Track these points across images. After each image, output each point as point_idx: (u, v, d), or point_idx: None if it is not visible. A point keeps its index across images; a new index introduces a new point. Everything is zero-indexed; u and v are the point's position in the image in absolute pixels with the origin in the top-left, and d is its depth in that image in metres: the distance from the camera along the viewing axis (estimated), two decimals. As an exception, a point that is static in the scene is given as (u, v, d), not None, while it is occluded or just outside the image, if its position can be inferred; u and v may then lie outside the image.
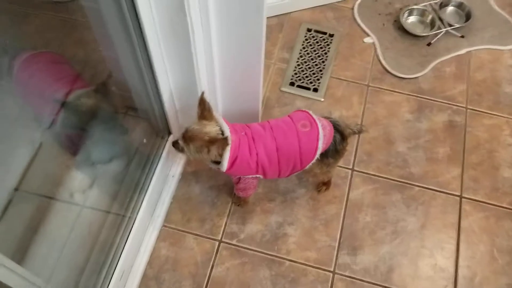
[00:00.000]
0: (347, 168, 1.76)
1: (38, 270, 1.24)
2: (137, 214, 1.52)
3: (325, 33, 2.07)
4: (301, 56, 2.01)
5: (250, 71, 1.47)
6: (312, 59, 2.00)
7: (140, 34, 1.19)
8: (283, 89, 1.92)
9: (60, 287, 1.35)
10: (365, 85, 1.95)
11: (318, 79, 1.94)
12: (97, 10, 1.24)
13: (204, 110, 1.30)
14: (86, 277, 1.41)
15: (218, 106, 1.59)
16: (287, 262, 1.57)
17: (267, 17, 2.07)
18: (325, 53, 2.01)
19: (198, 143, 1.29)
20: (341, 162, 1.75)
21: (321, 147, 1.37)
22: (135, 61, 1.29)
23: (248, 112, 1.65)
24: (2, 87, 1.86)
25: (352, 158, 1.78)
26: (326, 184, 1.69)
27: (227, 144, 1.27)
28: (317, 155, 1.39)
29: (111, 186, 1.65)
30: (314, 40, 2.05)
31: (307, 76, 1.95)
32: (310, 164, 1.41)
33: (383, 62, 2.00)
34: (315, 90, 1.92)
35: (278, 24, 2.10)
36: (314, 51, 2.02)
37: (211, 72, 1.42)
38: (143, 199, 1.56)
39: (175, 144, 1.37)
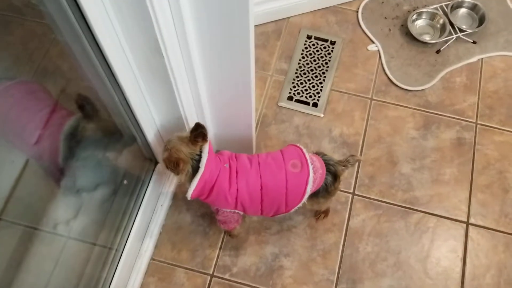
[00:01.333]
0: (347, 192, 1.66)
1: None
2: (124, 246, 1.45)
3: (326, 40, 1.93)
4: (300, 67, 1.88)
5: (240, 99, 1.36)
6: (311, 70, 1.87)
7: (113, 76, 1.08)
8: (281, 104, 1.80)
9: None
10: (368, 98, 1.83)
11: (318, 93, 1.82)
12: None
13: (198, 136, 1.21)
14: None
15: (210, 133, 1.48)
16: (282, 299, 1.50)
17: (264, 23, 1.95)
18: (326, 63, 1.88)
19: (169, 157, 1.22)
20: (341, 185, 1.65)
21: (309, 191, 1.28)
22: (112, 100, 1.18)
23: (241, 138, 1.54)
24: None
25: (353, 181, 1.67)
26: (325, 212, 1.59)
27: (182, 165, 1.20)
28: (304, 199, 1.30)
29: (97, 216, 1.57)
30: (314, 48, 1.92)
31: (306, 90, 1.83)
32: (296, 208, 1.32)
33: (388, 72, 1.87)
34: (315, 105, 1.80)
35: (276, 30, 1.96)
36: (314, 60, 1.89)
37: (199, 104, 1.31)
38: (131, 230, 1.48)
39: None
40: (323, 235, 1.59)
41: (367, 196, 1.66)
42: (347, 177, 1.68)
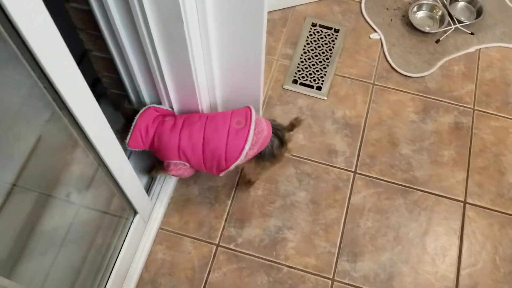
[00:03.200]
0: (349, 171, 1.71)
1: (32, 276, 1.22)
2: (134, 216, 1.50)
3: (330, 28, 2.01)
4: (304, 52, 1.94)
5: (250, 71, 1.42)
6: (316, 55, 1.94)
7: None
8: (286, 87, 1.87)
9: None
10: (370, 83, 1.90)
11: (321, 77, 1.89)
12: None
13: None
14: (81, 281, 1.39)
15: (217, 105, 1.53)
16: (285, 268, 1.55)
17: (271, 11, 2.02)
18: (330, 50, 1.95)
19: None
20: (343, 164, 1.72)
21: (247, 148, 1.31)
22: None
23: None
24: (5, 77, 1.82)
25: (355, 160, 1.73)
26: (248, 183, 1.64)
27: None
28: (242, 157, 1.33)
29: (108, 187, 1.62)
30: (319, 35, 1.99)
31: (310, 73, 1.90)
32: (235, 164, 1.35)
33: (390, 59, 1.94)
34: (319, 88, 1.86)
35: (282, 18, 2.03)
36: (319, 47, 1.96)
37: (211, 75, 1.36)
38: (149, 196, 1.54)
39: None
40: (325, 210, 1.65)
41: (368, 174, 1.71)
42: (348, 156, 1.74)
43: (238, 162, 1.35)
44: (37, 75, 0.80)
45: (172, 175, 1.49)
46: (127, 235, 1.44)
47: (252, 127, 1.31)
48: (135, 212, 1.46)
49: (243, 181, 1.65)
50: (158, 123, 1.38)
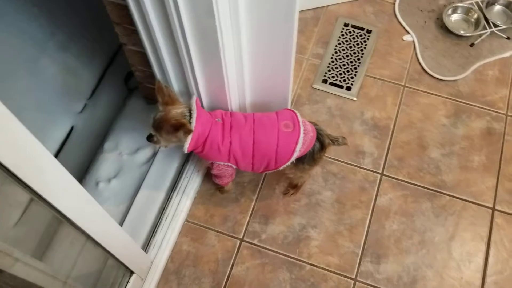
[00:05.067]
0: (376, 172, 1.71)
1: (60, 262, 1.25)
2: (130, 276, 1.44)
3: (362, 29, 2.00)
4: (335, 52, 1.94)
5: (280, 69, 1.43)
6: (347, 55, 1.94)
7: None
8: (315, 86, 1.87)
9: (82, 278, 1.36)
10: (401, 85, 1.88)
11: (352, 77, 1.88)
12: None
13: (164, 96, 1.32)
14: (108, 267, 1.42)
15: (246, 101, 1.55)
16: (308, 266, 1.55)
17: (303, 10, 2.02)
18: (361, 50, 1.95)
19: (168, 130, 1.31)
20: (370, 166, 1.71)
21: (298, 151, 1.35)
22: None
23: (276, 109, 1.61)
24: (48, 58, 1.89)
25: (382, 162, 1.73)
26: (295, 188, 1.65)
27: (190, 130, 1.28)
28: (293, 159, 1.36)
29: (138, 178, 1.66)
30: (351, 35, 1.98)
31: (340, 74, 1.89)
32: (285, 166, 1.39)
33: (422, 62, 1.92)
34: (348, 88, 1.86)
35: (314, 17, 2.04)
36: (350, 47, 1.96)
37: (241, 72, 1.38)
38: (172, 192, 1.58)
39: (149, 138, 1.39)
40: (350, 210, 1.65)
41: (395, 177, 1.70)
42: (376, 157, 1.73)
43: (288, 164, 1.38)
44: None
45: (214, 174, 1.49)
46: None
47: (302, 130, 1.34)
48: (131, 272, 1.42)
49: (289, 186, 1.66)
50: (211, 124, 1.35)
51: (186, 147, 1.33)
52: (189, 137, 1.31)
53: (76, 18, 2.02)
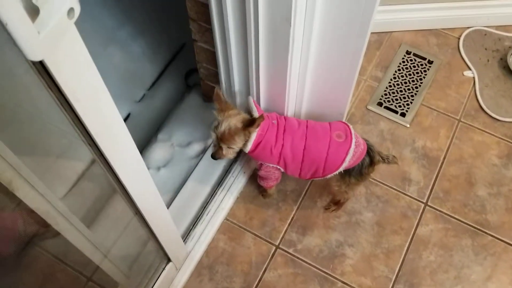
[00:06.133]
0: (420, 201, 1.70)
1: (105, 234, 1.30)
2: (166, 263, 1.48)
3: (424, 58, 2.00)
4: (394, 78, 1.95)
5: (341, 84, 1.46)
6: (405, 82, 1.94)
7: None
8: (370, 107, 1.88)
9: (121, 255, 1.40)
10: (456, 119, 1.87)
11: (407, 104, 1.89)
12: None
13: (221, 103, 1.35)
14: (147, 252, 1.46)
15: (302, 110, 1.58)
16: (340, 283, 1.55)
17: (368, 32, 2.04)
18: (420, 79, 1.95)
19: (239, 135, 1.33)
20: (415, 194, 1.70)
21: (347, 161, 1.36)
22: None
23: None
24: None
25: (428, 192, 1.71)
26: (338, 204, 1.65)
27: (263, 119, 1.31)
28: (341, 168, 1.38)
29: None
30: (412, 63, 1.99)
31: (396, 99, 1.90)
32: (332, 175, 1.40)
33: (480, 99, 1.90)
34: (403, 114, 1.86)
35: (377, 41, 2.06)
36: (409, 74, 1.96)
37: (303, 80, 1.42)
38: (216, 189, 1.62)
39: (215, 156, 1.41)
40: (390, 235, 1.64)
41: (439, 209, 1.69)
42: (422, 186, 1.72)
43: (336, 173, 1.40)
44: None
45: (260, 175, 1.52)
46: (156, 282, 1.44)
47: (353, 142, 1.36)
48: (168, 260, 1.46)
49: (332, 201, 1.67)
50: (268, 126, 1.38)
51: (249, 146, 1.36)
52: (253, 137, 1.34)
53: (147, 13, 2.11)
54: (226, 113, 1.35)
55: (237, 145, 1.36)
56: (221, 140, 1.35)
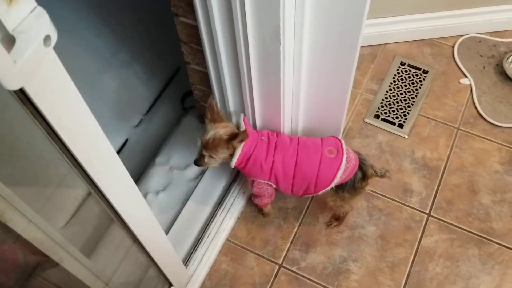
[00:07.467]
0: (423, 212, 1.68)
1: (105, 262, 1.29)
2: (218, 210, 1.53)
3: (419, 69, 2.00)
4: (390, 89, 1.95)
5: (336, 99, 1.46)
6: (401, 93, 1.94)
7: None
8: (367, 120, 1.88)
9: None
10: (455, 127, 1.86)
11: (405, 115, 1.88)
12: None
13: (213, 113, 1.36)
14: (148, 278, 1.44)
15: (299, 127, 1.57)
16: (346, 300, 1.53)
17: (361, 46, 2.04)
18: (416, 90, 1.95)
19: (222, 146, 1.34)
20: (418, 205, 1.69)
21: (339, 177, 1.35)
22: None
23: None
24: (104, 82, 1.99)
25: (430, 202, 1.70)
26: (339, 219, 1.63)
27: (247, 136, 1.31)
28: (333, 184, 1.37)
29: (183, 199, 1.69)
30: (407, 74, 1.99)
31: (393, 111, 1.90)
32: (324, 191, 1.40)
33: (478, 106, 1.90)
34: (400, 126, 1.86)
35: (371, 54, 2.06)
36: (405, 85, 1.96)
37: (297, 97, 1.42)
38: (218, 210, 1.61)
39: (197, 162, 1.42)
40: (394, 248, 1.62)
41: (443, 219, 1.67)
42: (424, 197, 1.70)
43: (327, 189, 1.39)
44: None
45: (254, 193, 1.52)
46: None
47: (344, 157, 1.35)
48: (170, 284, 1.45)
49: (333, 217, 1.65)
50: (257, 142, 1.38)
51: (234, 163, 1.36)
52: (238, 152, 1.34)
53: (141, 39, 2.13)
54: (217, 124, 1.37)
55: (218, 155, 1.37)
56: (205, 148, 1.37)
